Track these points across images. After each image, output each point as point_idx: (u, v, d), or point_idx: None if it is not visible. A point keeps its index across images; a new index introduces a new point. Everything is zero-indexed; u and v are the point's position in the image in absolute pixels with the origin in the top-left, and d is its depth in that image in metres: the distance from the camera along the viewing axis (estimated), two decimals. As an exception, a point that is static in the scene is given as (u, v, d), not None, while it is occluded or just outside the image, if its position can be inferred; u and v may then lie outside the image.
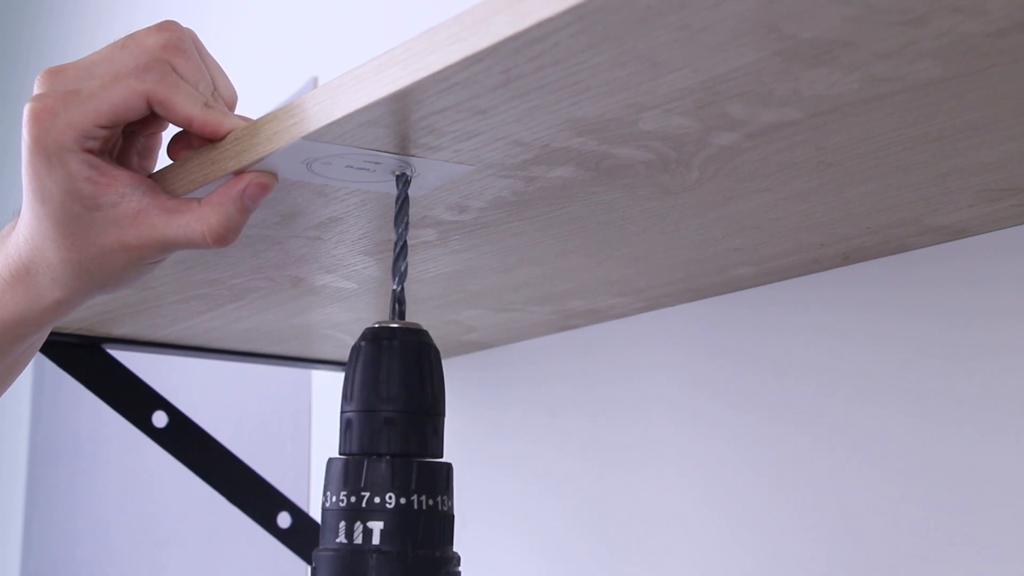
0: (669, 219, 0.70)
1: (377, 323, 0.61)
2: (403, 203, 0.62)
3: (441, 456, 0.61)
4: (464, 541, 1.11)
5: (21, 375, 0.75)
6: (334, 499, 0.59)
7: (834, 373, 0.81)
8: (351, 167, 0.60)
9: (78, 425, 2.10)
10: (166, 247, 0.63)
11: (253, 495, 1.10)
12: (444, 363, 1.14)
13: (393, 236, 0.63)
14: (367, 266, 0.79)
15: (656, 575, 0.92)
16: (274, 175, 0.62)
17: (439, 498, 0.60)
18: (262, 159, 0.59)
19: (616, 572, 0.96)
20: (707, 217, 0.69)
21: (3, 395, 0.75)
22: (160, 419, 1.07)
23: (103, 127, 0.61)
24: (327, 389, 1.34)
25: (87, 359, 1.05)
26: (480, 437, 1.11)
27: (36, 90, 0.62)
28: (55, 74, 0.62)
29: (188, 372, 1.53)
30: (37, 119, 0.61)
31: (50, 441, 2.25)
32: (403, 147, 0.58)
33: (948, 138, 0.58)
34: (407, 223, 0.62)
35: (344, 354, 1.11)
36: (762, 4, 0.44)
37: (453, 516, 0.60)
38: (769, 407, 0.85)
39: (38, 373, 2.31)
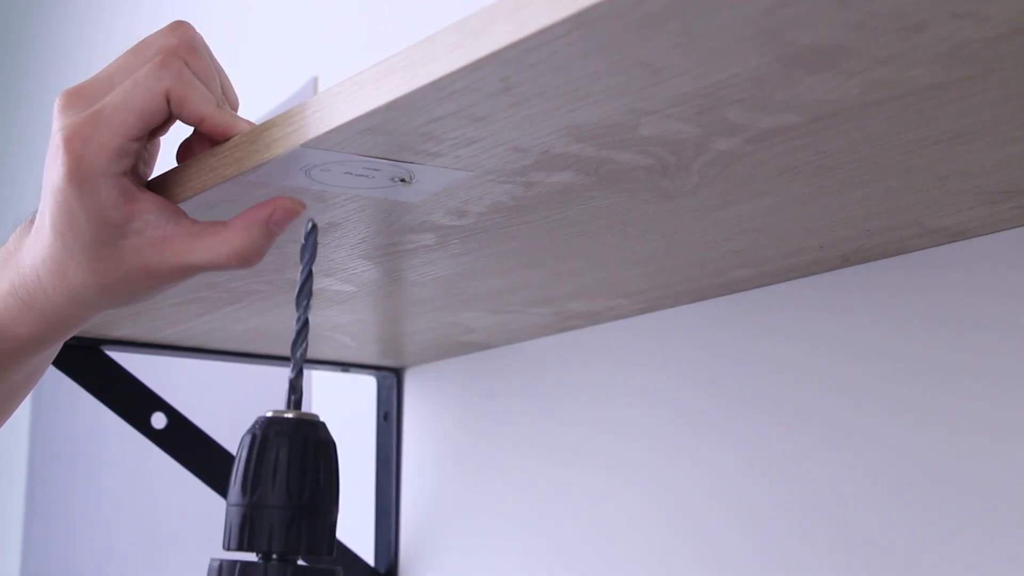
0: (669, 223, 0.70)
1: (271, 412, 0.60)
2: (307, 278, 0.61)
3: (330, 553, 0.59)
4: (464, 540, 1.11)
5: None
6: None
7: (834, 374, 0.81)
8: (350, 173, 0.60)
9: (77, 426, 2.10)
10: (191, 271, 0.63)
11: (252, 496, 1.10)
12: (443, 363, 1.15)
13: (296, 314, 0.61)
14: (366, 269, 0.79)
15: (654, 572, 0.93)
16: (302, 203, 0.62)
17: None
18: (261, 166, 0.59)
19: (616, 573, 0.96)
20: (707, 220, 0.69)
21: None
22: (159, 420, 1.07)
23: (135, 139, 0.61)
24: (326, 390, 1.34)
25: (86, 361, 1.05)
26: (479, 437, 1.11)
27: (58, 115, 0.62)
28: (75, 96, 0.62)
29: (187, 373, 1.53)
30: (70, 147, 0.60)
31: (50, 442, 2.25)
32: (402, 154, 0.58)
33: (948, 142, 0.58)
34: (308, 304, 0.61)
35: (344, 355, 1.12)
36: (762, 10, 0.44)
37: None
38: (769, 408, 0.85)
39: (37, 373, 2.30)
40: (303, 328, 0.61)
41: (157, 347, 1.06)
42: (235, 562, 0.57)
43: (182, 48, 0.62)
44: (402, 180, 0.61)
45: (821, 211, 0.68)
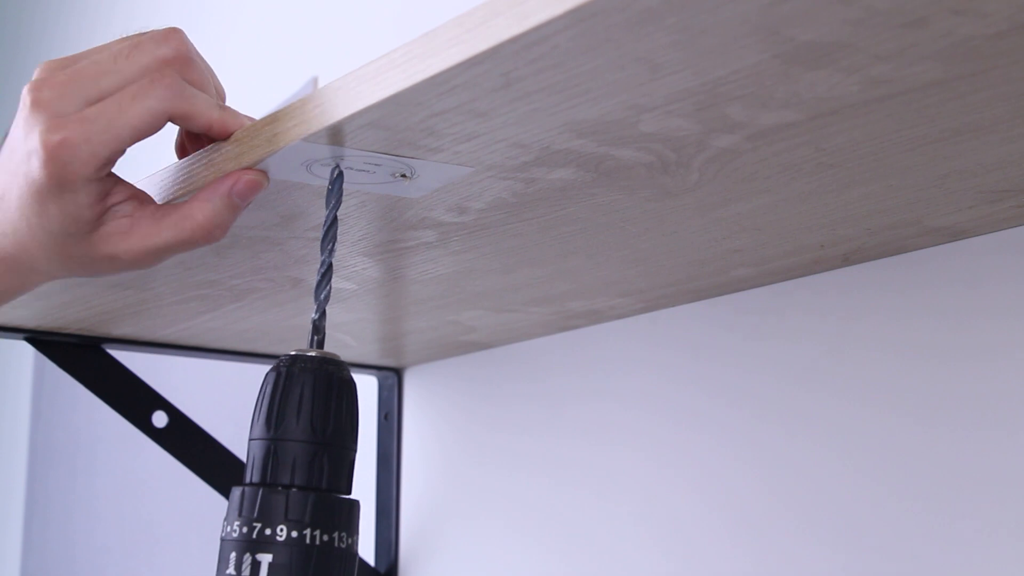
0: (669, 220, 0.70)
1: (295, 351, 0.61)
2: (332, 223, 0.62)
3: (348, 492, 0.60)
4: (464, 540, 1.11)
5: (21, 375, 0.75)
6: (228, 529, 0.58)
7: (834, 374, 0.81)
8: (351, 169, 0.60)
9: (78, 425, 2.10)
10: (157, 255, 0.63)
11: (253, 495, 1.10)
12: (443, 363, 1.15)
13: (320, 258, 0.62)
14: (367, 267, 0.79)
15: (655, 574, 0.93)
16: (265, 174, 0.61)
17: (337, 534, 0.58)
18: (262, 161, 0.60)
19: (616, 573, 0.96)
20: (707, 218, 0.69)
21: (3, 395, 0.75)
22: (160, 419, 1.07)
23: (123, 151, 0.60)
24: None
25: (87, 359, 1.05)
26: (479, 437, 1.11)
27: (35, 104, 0.59)
28: (61, 88, 0.59)
29: (188, 372, 1.53)
30: (56, 153, 0.58)
31: (50, 441, 2.25)
32: (403, 149, 0.58)
33: (948, 140, 0.58)
34: (332, 248, 0.62)
35: (345, 355, 1.11)
36: (762, 7, 0.44)
37: (354, 555, 0.59)
38: (769, 408, 0.85)
39: (38, 373, 2.31)
40: (327, 271, 0.61)
41: (158, 346, 1.06)
42: (257, 488, 0.58)
43: (178, 60, 0.61)
44: (403, 175, 0.61)
45: (822, 209, 0.68)
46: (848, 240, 0.74)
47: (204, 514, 1.59)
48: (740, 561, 0.86)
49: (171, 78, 0.60)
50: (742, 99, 0.52)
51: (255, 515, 0.57)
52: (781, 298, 0.85)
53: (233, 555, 0.57)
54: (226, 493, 1.10)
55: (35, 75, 0.61)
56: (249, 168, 0.61)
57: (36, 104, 0.59)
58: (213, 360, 1.10)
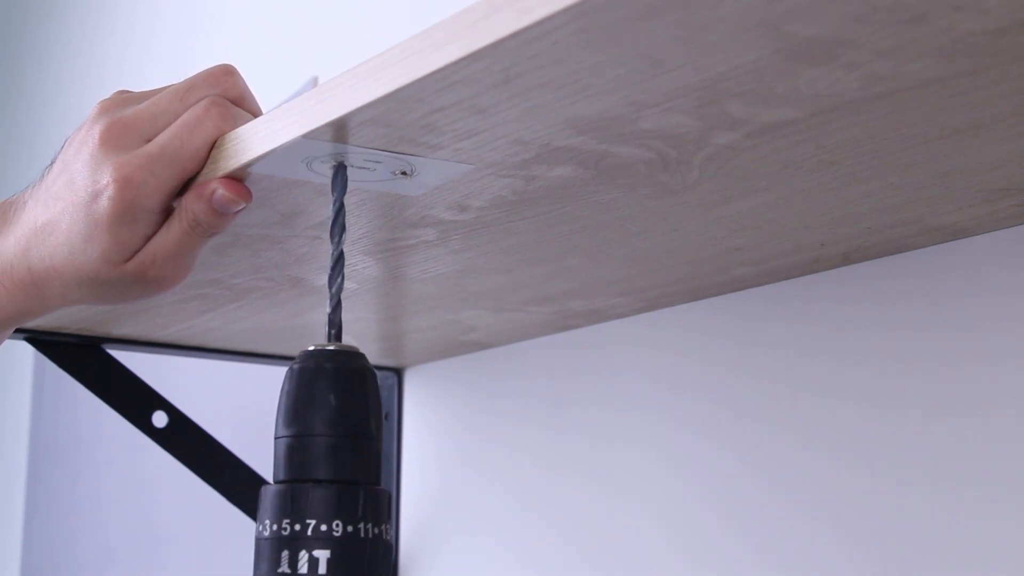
0: (669, 219, 0.70)
1: (314, 346, 0.61)
2: (339, 210, 0.62)
3: (379, 482, 0.60)
4: (464, 540, 1.11)
5: (21, 375, 0.76)
6: (274, 527, 0.58)
7: (834, 373, 0.81)
8: (351, 166, 0.60)
9: (78, 425, 2.10)
10: (175, 257, 0.66)
11: (253, 495, 1.10)
12: (443, 363, 1.15)
13: (331, 249, 0.62)
14: (367, 266, 0.79)
15: (655, 570, 0.92)
16: (244, 189, 0.63)
17: (383, 526, 0.58)
18: (262, 157, 0.60)
19: (616, 571, 0.96)
20: (707, 217, 0.69)
21: (3, 395, 0.77)
22: (160, 419, 1.07)
23: (188, 180, 0.63)
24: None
25: (87, 359, 1.05)
26: (479, 437, 1.11)
27: (102, 143, 0.63)
28: (121, 129, 0.63)
29: (188, 372, 1.53)
30: (126, 188, 0.62)
31: (50, 441, 2.25)
32: (403, 146, 0.58)
33: (948, 137, 0.58)
34: (341, 239, 0.62)
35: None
36: (762, 2, 0.44)
37: (392, 545, 0.59)
38: (769, 407, 0.85)
39: (38, 373, 2.31)
40: (338, 262, 0.62)
41: (158, 346, 1.06)
42: (305, 485, 0.58)
43: (229, 97, 0.65)
44: (403, 173, 0.61)
45: (822, 208, 0.68)
46: (848, 238, 0.74)
47: (205, 514, 1.59)
48: (739, 561, 0.86)
49: (223, 107, 0.63)
50: (743, 96, 0.52)
51: (307, 512, 0.57)
52: (781, 297, 0.85)
53: (286, 553, 0.57)
54: (227, 493, 1.10)
55: (97, 112, 0.65)
56: (233, 179, 0.62)
57: (104, 143, 0.63)
58: (213, 360, 1.10)
